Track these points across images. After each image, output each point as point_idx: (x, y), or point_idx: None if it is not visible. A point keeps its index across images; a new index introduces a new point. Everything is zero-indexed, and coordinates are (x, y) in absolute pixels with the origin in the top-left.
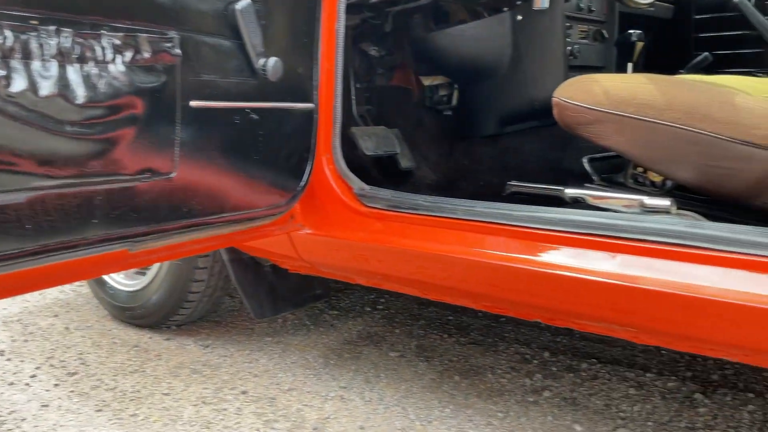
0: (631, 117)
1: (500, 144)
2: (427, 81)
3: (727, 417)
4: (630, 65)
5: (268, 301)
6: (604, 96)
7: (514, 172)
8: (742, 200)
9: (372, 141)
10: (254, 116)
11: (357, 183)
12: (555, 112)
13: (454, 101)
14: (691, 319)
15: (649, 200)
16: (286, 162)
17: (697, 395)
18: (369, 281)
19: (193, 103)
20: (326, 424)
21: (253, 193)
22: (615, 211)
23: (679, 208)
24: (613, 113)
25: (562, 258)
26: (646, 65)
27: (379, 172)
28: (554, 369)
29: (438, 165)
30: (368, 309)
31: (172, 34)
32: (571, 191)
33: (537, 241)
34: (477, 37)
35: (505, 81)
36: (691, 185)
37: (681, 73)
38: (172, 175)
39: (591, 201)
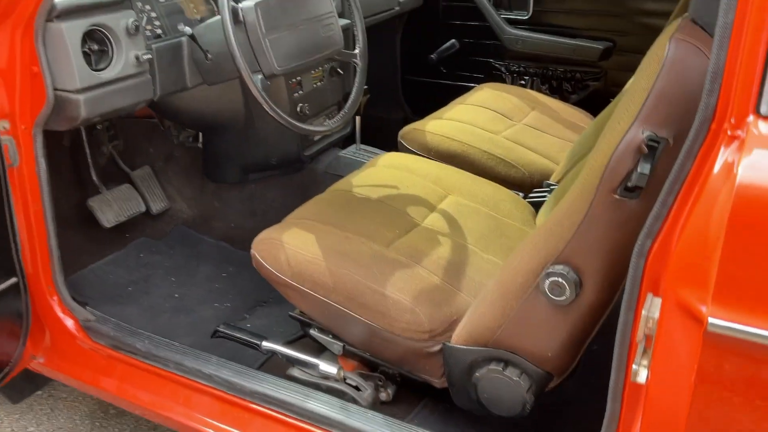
0: (308, 291)
1: (247, 189)
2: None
3: None
4: (358, 119)
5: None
6: (287, 266)
7: (261, 217)
8: (395, 365)
9: (113, 210)
10: None
11: (82, 313)
12: (254, 263)
13: (200, 143)
14: None
15: (323, 366)
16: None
17: None
18: None
19: None
20: None
21: None
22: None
23: (345, 379)
24: (294, 284)
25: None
26: (402, 49)
27: (127, 229)
28: None
29: (192, 200)
30: None
31: None
32: (267, 345)
33: (233, 407)
34: (211, 98)
35: (242, 136)
36: (359, 348)
37: (432, 58)
38: None
39: (281, 355)
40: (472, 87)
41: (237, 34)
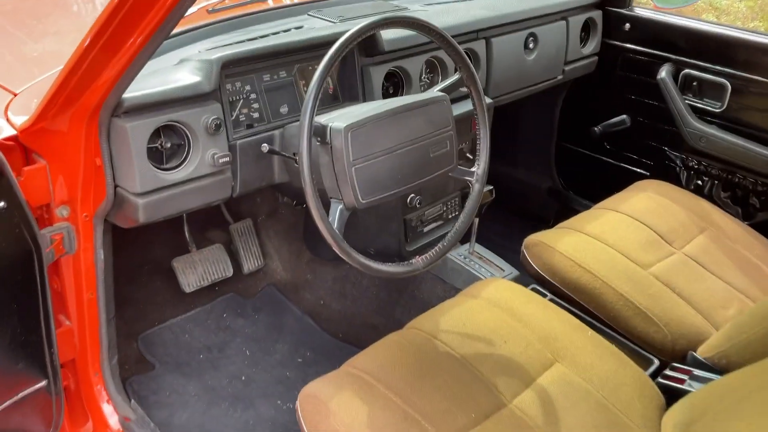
0: None
1: (342, 269)
2: None
3: None
4: (476, 221)
5: None
6: None
7: (351, 302)
8: None
9: (196, 273)
10: None
11: (123, 409)
12: (296, 416)
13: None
14: None
15: None
16: None
17: None
18: None
19: None
20: None
21: None
22: None
23: None
24: None
25: None
26: (562, 113)
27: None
28: None
29: (288, 263)
30: None
31: None
32: None
33: None
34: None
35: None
36: None
37: (595, 131)
38: None
39: None
40: (637, 172)
41: (321, 154)
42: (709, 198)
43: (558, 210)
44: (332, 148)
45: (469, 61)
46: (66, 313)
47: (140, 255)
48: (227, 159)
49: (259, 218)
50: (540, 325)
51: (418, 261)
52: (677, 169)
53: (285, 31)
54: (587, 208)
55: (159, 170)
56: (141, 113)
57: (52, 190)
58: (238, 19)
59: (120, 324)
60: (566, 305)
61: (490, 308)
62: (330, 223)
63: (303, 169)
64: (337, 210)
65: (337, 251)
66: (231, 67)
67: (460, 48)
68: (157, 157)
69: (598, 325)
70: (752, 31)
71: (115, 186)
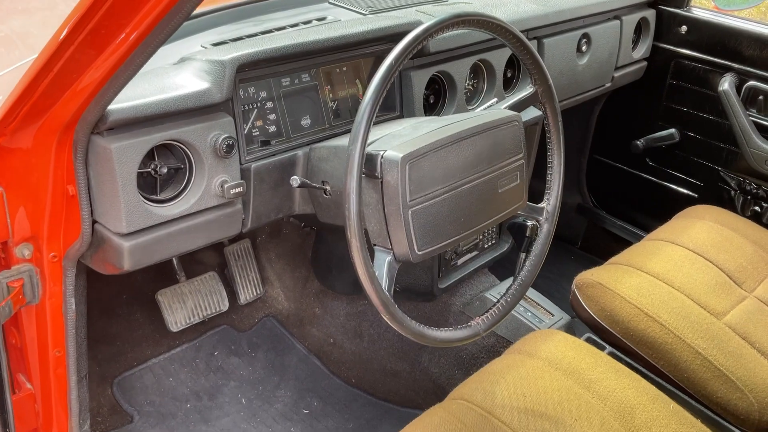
0: None
1: (358, 304)
2: None
3: None
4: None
5: None
6: None
7: (368, 344)
8: None
9: (185, 308)
10: None
11: None
12: None
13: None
14: None
15: None
16: None
17: None
18: None
19: None
20: None
21: None
22: None
23: None
24: None
25: None
26: (598, 124)
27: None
28: None
29: (291, 292)
30: None
31: None
32: None
33: None
34: None
35: None
36: None
37: (637, 145)
38: None
39: None
40: (682, 193)
41: (366, 190)
42: None
43: (587, 230)
44: (383, 183)
45: (548, 73)
46: (27, 373)
47: (117, 282)
48: (240, 190)
49: (259, 238)
50: (613, 395)
51: (478, 323)
52: (732, 192)
53: (305, 23)
54: (620, 229)
55: (151, 204)
56: (130, 130)
57: (10, 224)
58: (249, 5)
59: (92, 366)
60: (629, 361)
61: (551, 372)
62: (380, 284)
63: (350, 216)
64: (384, 263)
65: (386, 319)
66: (246, 71)
67: (539, 58)
68: (149, 184)
69: (672, 389)
70: None
71: (93, 222)
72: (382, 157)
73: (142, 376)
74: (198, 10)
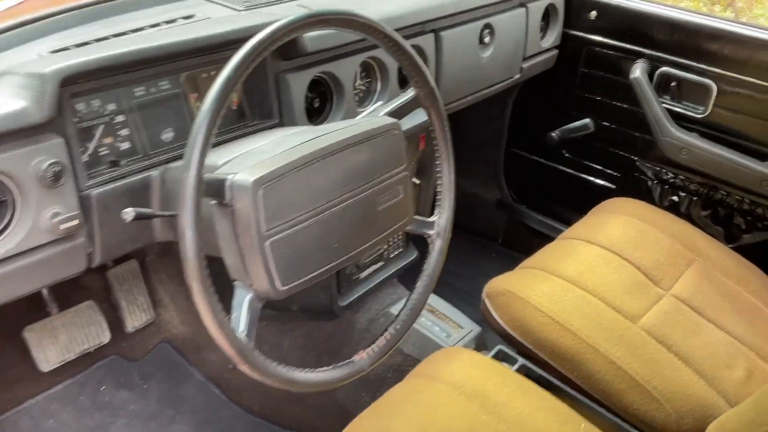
0: None
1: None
2: None
3: None
4: None
5: None
6: None
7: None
8: None
9: (58, 344)
10: None
11: None
12: None
13: None
14: None
15: None
16: None
17: None
18: None
19: None
20: None
21: None
22: None
23: None
24: None
25: None
26: (513, 116)
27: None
28: None
29: (187, 314)
30: None
31: None
32: None
33: None
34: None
35: None
36: None
37: (552, 137)
38: None
39: None
40: (599, 185)
41: (219, 219)
42: (686, 217)
43: (507, 225)
44: (234, 212)
45: (429, 75)
46: None
47: None
48: (74, 223)
49: (148, 257)
50: (520, 419)
51: (362, 357)
52: (648, 182)
53: (169, 22)
54: (541, 224)
55: None
56: None
57: None
58: (106, 5)
59: None
60: (542, 374)
61: (455, 398)
62: (231, 329)
63: (187, 257)
64: (245, 301)
65: (244, 370)
66: (81, 82)
67: (418, 58)
68: None
69: (587, 402)
70: (743, 24)
71: None
72: (229, 183)
73: (18, 421)
74: (47, 10)
